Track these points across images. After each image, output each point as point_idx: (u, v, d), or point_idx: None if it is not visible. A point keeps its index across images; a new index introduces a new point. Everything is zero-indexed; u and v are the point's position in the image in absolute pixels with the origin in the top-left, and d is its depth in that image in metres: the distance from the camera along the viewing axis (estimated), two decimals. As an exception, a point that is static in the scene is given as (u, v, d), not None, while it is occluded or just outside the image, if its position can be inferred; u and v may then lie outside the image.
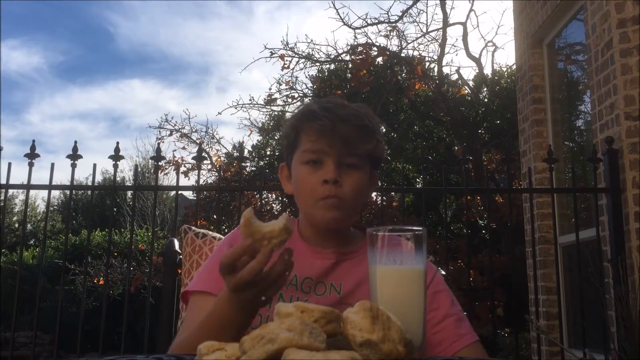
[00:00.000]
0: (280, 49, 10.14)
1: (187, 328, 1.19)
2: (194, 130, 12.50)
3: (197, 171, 3.52)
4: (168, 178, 14.20)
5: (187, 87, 35.15)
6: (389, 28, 9.94)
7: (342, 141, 1.23)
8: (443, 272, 1.36)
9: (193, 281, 1.30)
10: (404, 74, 10.56)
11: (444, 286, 1.31)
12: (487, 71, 10.57)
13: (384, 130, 10.23)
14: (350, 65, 10.55)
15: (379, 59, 10.07)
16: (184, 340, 1.14)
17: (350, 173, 1.25)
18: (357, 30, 10.02)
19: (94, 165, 3.42)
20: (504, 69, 10.75)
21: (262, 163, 12.15)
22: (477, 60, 9.79)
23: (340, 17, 9.87)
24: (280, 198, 8.22)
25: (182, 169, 10.82)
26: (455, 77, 11.09)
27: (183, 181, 10.96)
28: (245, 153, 11.77)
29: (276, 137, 12.44)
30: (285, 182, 1.37)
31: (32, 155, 3.30)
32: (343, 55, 10.54)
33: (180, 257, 1.73)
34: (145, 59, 36.09)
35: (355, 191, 1.25)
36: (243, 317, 1.02)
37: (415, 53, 10.28)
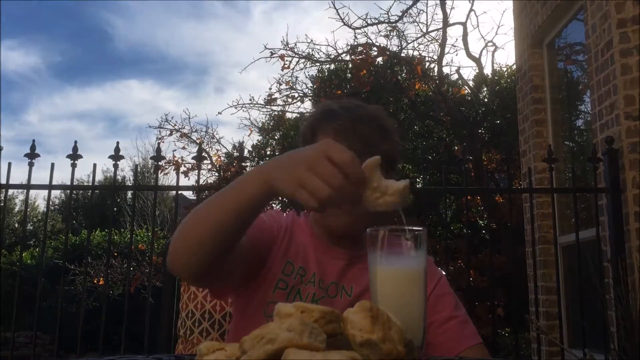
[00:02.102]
0: (280, 49, 10.14)
1: None
2: (194, 130, 12.51)
3: (197, 171, 3.53)
4: (168, 178, 14.20)
5: (185, 87, 35.20)
6: (389, 28, 9.95)
7: (360, 141, 1.21)
8: (443, 273, 1.37)
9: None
10: (404, 74, 10.56)
11: (448, 289, 1.31)
12: (487, 71, 10.58)
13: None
14: (350, 65, 10.54)
15: (379, 59, 10.07)
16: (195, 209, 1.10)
17: None
18: (357, 30, 10.03)
19: (94, 165, 3.42)
20: (504, 69, 10.75)
21: (262, 163, 12.12)
22: (477, 60, 9.80)
23: (340, 17, 9.88)
24: (280, 198, 8.22)
25: (182, 169, 10.81)
26: (455, 77, 11.09)
27: (183, 181, 10.95)
28: (245, 153, 11.77)
29: (276, 137, 12.44)
30: None
31: (32, 155, 3.30)
32: (343, 55, 10.54)
33: (180, 257, 1.73)
34: (142, 59, 36.15)
35: None
36: (260, 182, 0.93)
37: (415, 53, 10.29)
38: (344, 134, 1.22)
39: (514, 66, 7.43)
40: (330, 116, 1.26)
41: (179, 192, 3.65)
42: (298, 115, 11.18)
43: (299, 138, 1.37)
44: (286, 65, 10.21)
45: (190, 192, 12.03)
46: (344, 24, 9.89)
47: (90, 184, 3.56)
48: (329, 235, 1.31)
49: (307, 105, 11.08)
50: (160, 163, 3.55)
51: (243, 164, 3.87)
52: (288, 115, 11.75)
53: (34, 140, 3.30)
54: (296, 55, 10.33)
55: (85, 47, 35.54)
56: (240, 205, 0.97)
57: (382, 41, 10.33)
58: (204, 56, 33.72)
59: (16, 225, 17.54)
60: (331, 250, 1.31)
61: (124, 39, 35.60)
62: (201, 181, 3.76)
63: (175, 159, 11.69)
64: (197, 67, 34.25)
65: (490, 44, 11.88)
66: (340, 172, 0.83)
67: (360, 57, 9.64)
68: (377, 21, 9.84)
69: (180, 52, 33.65)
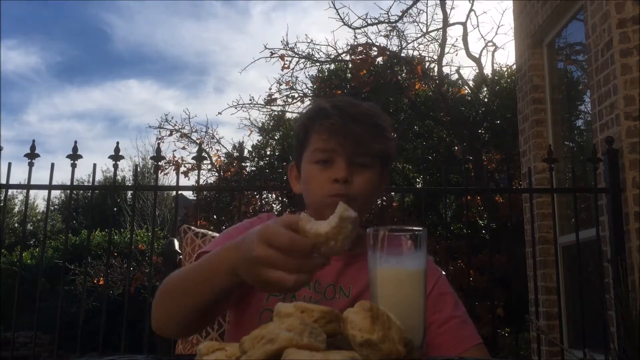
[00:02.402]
0: (280, 49, 10.15)
1: None
2: (194, 130, 12.52)
3: (197, 171, 3.53)
4: (168, 178, 14.21)
5: (184, 87, 35.26)
6: (389, 28, 9.95)
7: (353, 140, 1.21)
8: (443, 272, 1.34)
9: (208, 246, 1.30)
10: (404, 74, 10.56)
11: (448, 289, 1.29)
12: (487, 71, 10.58)
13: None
14: (350, 65, 10.55)
15: (379, 59, 10.08)
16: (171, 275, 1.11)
17: (361, 172, 1.23)
18: (357, 30, 10.04)
19: (94, 165, 3.42)
20: (504, 69, 10.75)
21: (262, 163, 12.14)
22: (477, 60, 9.80)
23: (340, 17, 9.89)
24: (280, 198, 8.22)
25: (182, 169, 10.82)
26: (455, 77, 11.10)
27: (183, 181, 10.96)
28: (245, 153, 11.78)
29: (276, 137, 12.44)
30: (294, 182, 1.35)
31: (32, 155, 3.30)
32: (343, 55, 10.55)
33: (180, 257, 1.73)
34: (142, 59, 36.21)
35: (366, 190, 1.24)
36: (229, 274, 0.93)
37: (415, 53, 10.29)
38: (335, 134, 1.21)
39: (514, 66, 7.44)
40: (322, 115, 1.25)
41: (179, 192, 3.65)
42: (298, 116, 11.19)
43: (293, 138, 1.37)
44: (286, 65, 10.22)
45: (190, 192, 12.05)
46: (344, 24, 9.90)
47: (90, 184, 3.56)
48: None
49: (307, 105, 11.09)
50: (160, 163, 3.55)
51: (243, 164, 3.87)
52: (288, 115, 11.76)
53: (34, 141, 3.30)
54: (296, 55, 10.34)
55: (85, 47, 35.66)
56: (214, 293, 0.99)
57: (382, 41, 10.36)
58: (203, 56, 33.78)
59: (16, 225, 17.54)
60: None
61: (123, 39, 35.67)
62: (201, 181, 3.76)
63: (175, 159, 11.70)
64: (196, 67, 34.32)
65: (490, 44, 11.87)
66: (291, 253, 0.83)
67: (360, 57, 9.64)
68: (377, 21, 9.85)
69: (180, 52, 33.71)
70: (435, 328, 1.20)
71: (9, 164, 3.38)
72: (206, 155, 11.54)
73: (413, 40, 10.34)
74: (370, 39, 10.16)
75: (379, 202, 7.19)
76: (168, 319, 1.08)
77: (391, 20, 9.81)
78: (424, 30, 10.18)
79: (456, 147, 9.64)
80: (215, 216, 7.46)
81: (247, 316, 1.24)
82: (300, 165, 1.30)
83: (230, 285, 0.96)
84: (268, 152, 12.59)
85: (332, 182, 1.21)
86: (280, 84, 10.71)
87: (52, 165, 3.36)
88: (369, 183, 1.24)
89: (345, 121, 1.21)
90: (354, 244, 1.20)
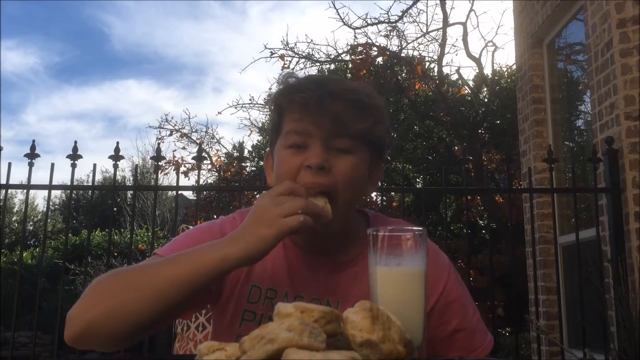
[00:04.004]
0: (281, 49, 10.15)
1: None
2: (193, 130, 12.52)
3: (197, 171, 3.52)
4: (168, 178, 14.20)
5: (183, 87, 35.28)
6: (389, 28, 9.94)
7: (330, 119, 1.01)
8: (451, 274, 1.20)
9: (167, 245, 1.13)
10: (404, 74, 10.56)
11: (456, 295, 1.15)
12: (487, 71, 10.59)
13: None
14: (350, 65, 10.55)
15: (379, 59, 10.08)
16: (136, 266, 1.02)
17: (341, 157, 1.03)
18: (357, 30, 10.03)
19: (94, 165, 3.42)
20: (504, 69, 10.76)
21: (262, 163, 12.13)
22: (477, 60, 9.79)
23: (340, 17, 9.89)
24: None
25: (182, 169, 10.83)
26: (455, 77, 11.10)
27: (183, 181, 10.96)
28: (245, 153, 11.78)
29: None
30: (269, 172, 1.16)
31: (32, 155, 3.30)
32: (343, 55, 10.55)
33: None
34: (140, 59, 36.23)
35: (347, 179, 1.03)
36: (219, 263, 0.92)
37: (415, 53, 10.29)
38: (309, 112, 1.02)
39: (514, 66, 7.44)
40: (292, 89, 1.07)
41: (179, 192, 3.65)
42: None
43: (269, 122, 1.22)
44: (286, 65, 10.22)
45: (190, 192, 12.06)
46: (344, 24, 9.90)
47: (90, 184, 3.56)
48: (306, 241, 1.11)
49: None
50: (160, 163, 3.55)
51: (243, 164, 3.87)
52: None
53: (34, 141, 3.30)
54: (296, 55, 10.34)
55: (83, 47, 35.68)
56: (194, 284, 0.93)
57: (382, 41, 10.34)
58: (201, 56, 33.82)
59: (16, 225, 17.54)
60: (309, 259, 1.11)
61: (121, 39, 35.71)
62: (201, 181, 3.76)
63: (175, 159, 11.71)
64: (194, 68, 34.38)
65: (490, 44, 11.91)
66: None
67: (360, 57, 9.64)
68: (377, 21, 9.85)
69: (178, 53, 33.78)
70: (440, 339, 1.12)
71: (9, 164, 3.38)
72: (206, 155, 11.54)
73: (413, 40, 10.34)
74: (370, 39, 10.17)
75: (379, 202, 7.20)
76: (111, 321, 0.92)
77: (391, 20, 9.81)
78: (424, 30, 10.18)
79: (456, 147, 9.64)
80: (215, 216, 7.46)
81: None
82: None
83: (216, 276, 0.95)
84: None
85: (304, 169, 1.02)
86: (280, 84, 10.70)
87: (52, 165, 3.36)
88: (351, 171, 1.04)
89: (320, 97, 1.01)
90: (342, 245, 1.12)
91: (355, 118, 1.03)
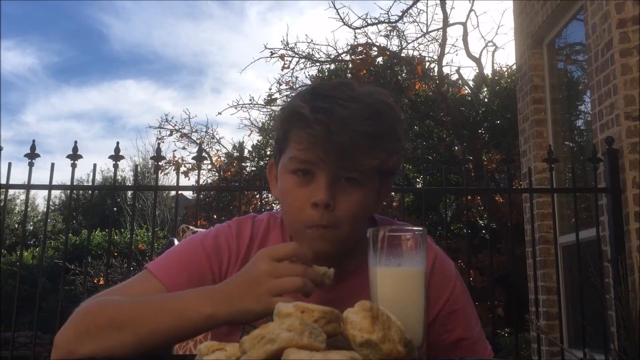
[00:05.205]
0: (280, 49, 10.15)
1: (121, 292, 1.03)
2: (194, 130, 12.53)
3: (197, 171, 3.53)
4: (168, 178, 14.22)
5: (182, 87, 35.36)
6: (389, 28, 9.95)
7: (339, 153, 0.97)
8: (457, 282, 1.19)
9: (160, 261, 1.09)
10: (404, 74, 10.56)
11: (461, 303, 1.14)
12: (487, 71, 10.59)
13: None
14: (350, 65, 10.55)
15: (379, 59, 10.08)
16: (110, 299, 1.00)
17: (349, 191, 1.01)
18: (357, 30, 10.03)
19: (94, 165, 3.43)
20: (504, 69, 10.75)
21: (262, 163, 12.14)
22: (477, 60, 9.80)
23: (340, 17, 9.89)
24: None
25: (182, 169, 10.83)
26: (455, 77, 11.10)
27: (183, 181, 10.97)
28: (245, 153, 11.78)
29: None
30: (273, 183, 1.14)
31: (32, 155, 3.30)
32: (343, 55, 10.55)
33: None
34: (139, 59, 36.31)
35: (354, 216, 1.01)
36: (204, 320, 0.89)
37: (415, 53, 10.29)
38: (316, 145, 0.98)
39: (514, 66, 7.44)
40: (299, 120, 1.00)
41: (179, 192, 3.65)
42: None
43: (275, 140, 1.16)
44: (286, 65, 10.22)
45: (190, 192, 12.06)
46: (344, 24, 9.90)
47: (90, 184, 3.56)
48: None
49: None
50: (160, 163, 3.55)
51: (243, 164, 3.87)
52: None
53: (34, 141, 3.29)
54: (296, 55, 10.34)
55: (82, 47, 35.76)
56: (178, 336, 0.93)
57: (382, 41, 10.36)
58: (200, 56, 33.87)
59: (16, 225, 17.54)
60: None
61: (120, 40, 35.78)
62: (201, 181, 3.76)
63: (175, 159, 11.71)
64: (193, 68, 34.44)
65: (490, 44, 11.92)
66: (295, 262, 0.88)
67: (360, 57, 9.64)
68: (377, 21, 9.85)
69: (177, 53, 33.85)
70: (442, 348, 1.12)
71: (9, 164, 3.38)
72: (206, 155, 11.54)
73: (413, 40, 10.34)
74: (370, 39, 10.17)
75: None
76: (95, 356, 0.94)
77: (391, 20, 9.81)
78: (424, 30, 10.18)
79: (456, 147, 9.64)
80: (215, 216, 7.45)
81: None
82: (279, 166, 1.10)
83: (201, 332, 0.94)
84: (268, 152, 12.60)
85: (310, 205, 0.99)
86: (281, 84, 10.71)
87: (52, 165, 3.36)
88: (358, 206, 1.01)
89: (329, 128, 0.95)
90: (344, 256, 1.08)
91: (366, 153, 0.98)
